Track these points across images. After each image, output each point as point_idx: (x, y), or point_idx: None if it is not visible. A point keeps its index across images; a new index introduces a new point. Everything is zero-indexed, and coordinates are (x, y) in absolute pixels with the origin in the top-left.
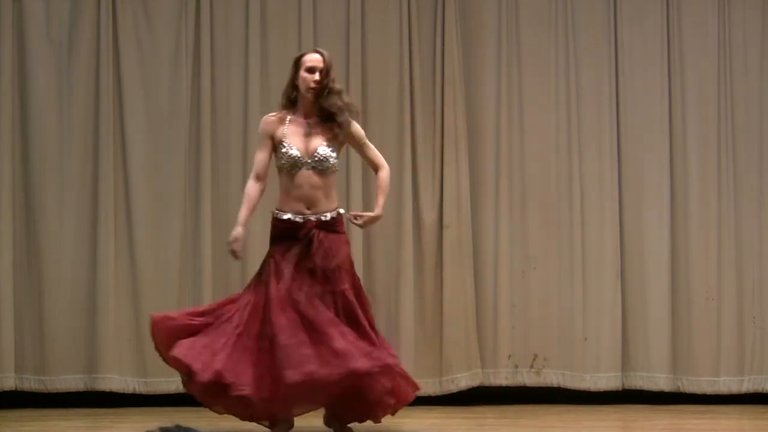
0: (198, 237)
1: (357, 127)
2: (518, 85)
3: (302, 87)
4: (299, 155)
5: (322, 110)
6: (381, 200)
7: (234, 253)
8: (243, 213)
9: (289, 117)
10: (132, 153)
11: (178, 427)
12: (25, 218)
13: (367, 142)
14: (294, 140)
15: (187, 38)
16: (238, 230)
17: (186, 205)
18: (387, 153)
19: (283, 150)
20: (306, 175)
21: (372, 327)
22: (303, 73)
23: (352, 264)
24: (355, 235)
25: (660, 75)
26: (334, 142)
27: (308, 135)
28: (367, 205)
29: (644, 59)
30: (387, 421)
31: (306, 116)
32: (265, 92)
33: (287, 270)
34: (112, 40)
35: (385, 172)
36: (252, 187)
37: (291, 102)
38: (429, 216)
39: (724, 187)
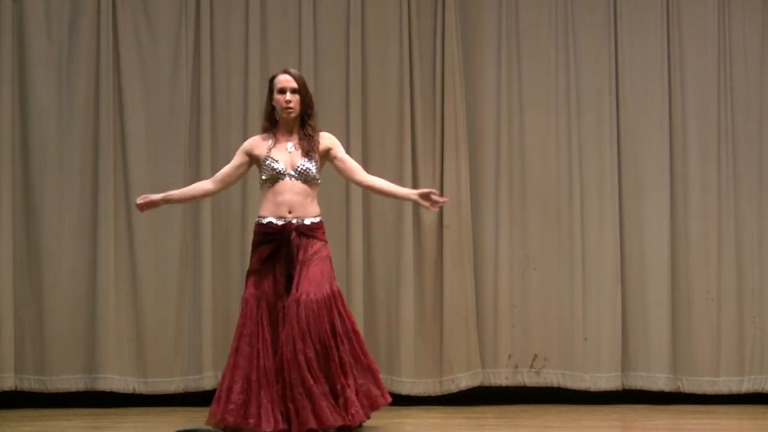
0: (198, 237)
1: (336, 142)
2: (518, 85)
3: (278, 108)
4: (283, 168)
5: (302, 129)
6: (393, 185)
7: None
8: (174, 191)
9: (272, 136)
10: (132, 153)
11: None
12: (25, 218)
13: (345, 154)
14: (278, 155)
15: (187, 38)
16: (153, 195)
17: (186, 205)
18: (387, 153)
19: (267, 164)
20: (289, 183)
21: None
22: (276, 95)
23: (327, 267)
24: (356, 235)
25: (660, 75)
26: (314, 157)
27: (290, 151)
28: (367, 207)
29: (644, 59)
30: (387, 421)
31: (288, 134)
32: (264, 92)
33: (258, 288)
34: (112, 40)
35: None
36: (201, 182)
37: (272, 123)
38: (429, 216)
39: (724, 187)
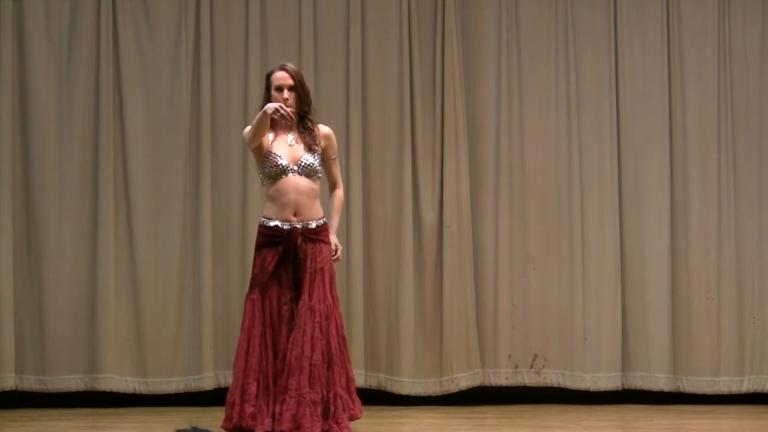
0: (198, 237)
1: (333, 143)
2: (518, 85)
3: None
4: (287, 163)
5: (301, 123)
6: (336, 221)
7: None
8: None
9: (270, 130)
10: (132, 153)
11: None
12: (25, 218)
13: (336, 159)
14: (280, 150)
15: (187, 39)
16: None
17: (186, 205)
18: (387, 153)
19: (271, 159)
20: (292, 181)
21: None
22: (274, 92)
23: (333, 272)
24: (356, 235)
25: (660, 75)
26: (317, 150)
27: (291, 145)
28: (367, 207)
29: (644, 59)
30: (387, 421)
31: (287, 128)
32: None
33: (268, 288)
34: (112, 40)
35: (342, 191)
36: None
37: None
38: (429, 216)
39: (724, 187)
